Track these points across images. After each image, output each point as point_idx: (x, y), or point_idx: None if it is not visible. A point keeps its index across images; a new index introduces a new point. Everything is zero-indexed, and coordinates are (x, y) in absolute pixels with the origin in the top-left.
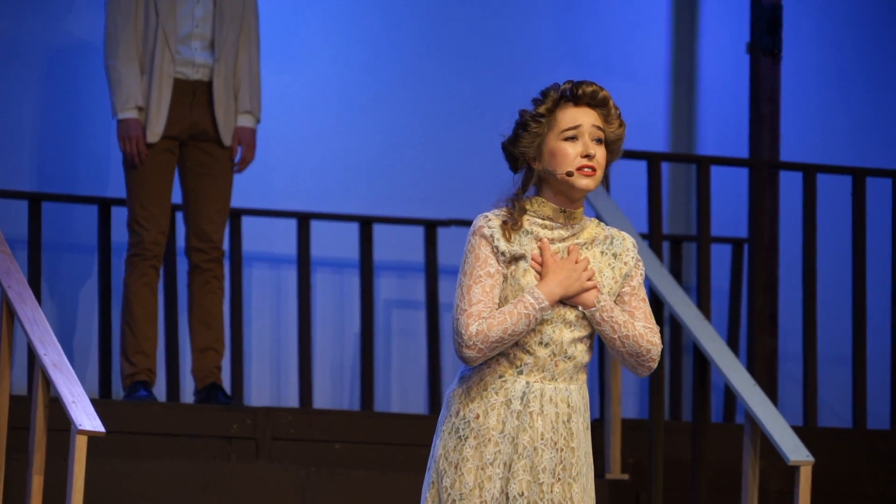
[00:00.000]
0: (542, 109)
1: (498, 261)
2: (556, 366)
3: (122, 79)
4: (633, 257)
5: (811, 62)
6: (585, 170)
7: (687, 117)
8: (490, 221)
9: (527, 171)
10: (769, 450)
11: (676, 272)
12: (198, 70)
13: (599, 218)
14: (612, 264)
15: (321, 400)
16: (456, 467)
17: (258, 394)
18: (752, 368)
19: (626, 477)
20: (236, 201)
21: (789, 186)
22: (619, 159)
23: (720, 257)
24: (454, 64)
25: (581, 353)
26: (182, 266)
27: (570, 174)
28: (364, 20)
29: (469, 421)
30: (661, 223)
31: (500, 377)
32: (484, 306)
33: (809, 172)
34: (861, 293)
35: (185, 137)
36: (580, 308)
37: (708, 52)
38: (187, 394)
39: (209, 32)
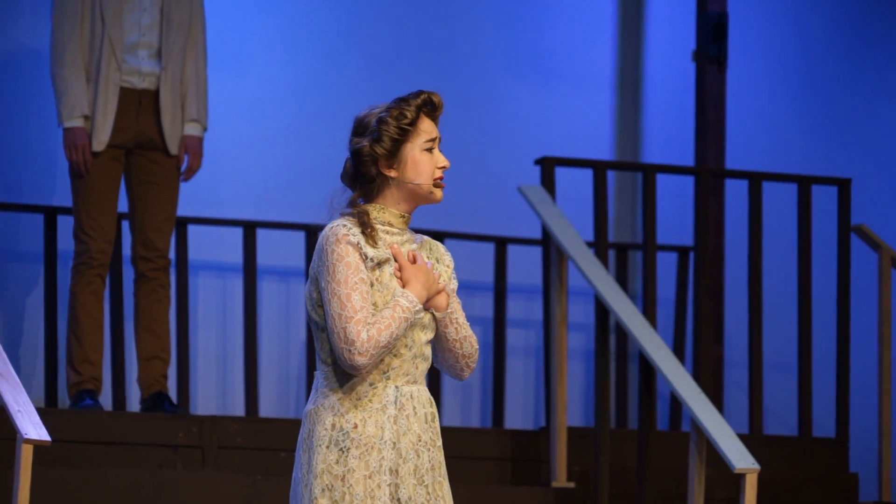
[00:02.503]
0: (410, 117)
1: (366, 267)
2: (417, 367)
3: (68, 87)
4: (451, 259)
5: (757, 70)
6: (440, 182)
7: (632, 125)
8: (351, 229)
9: (373, 178)
10: (715, 457)
11: (622, 280)
12: (144, 79)
13: (544, 226)
14: (436, 268)
15: (267, 408)
16: (343, 479)
17: (204, 402)
18: (697, 376)
19: (572, 485)
20: (182, 210)
21: (735, 194)
22: (565, 167)
23: (666, 265)
24: (401, 72)
25: (430, 353)
26: (128, 275)
27: (437, 185)
28: (311, 29)
29: (348, 432)
30: (606, 231)
31: (371, 384)
32: (367, 312)
33: (755, 180)
34: (807, 301)
35: (132, 146)
36: (432, 311)
37: (654, 60)
38: (133, 402)
39: (156, 41)
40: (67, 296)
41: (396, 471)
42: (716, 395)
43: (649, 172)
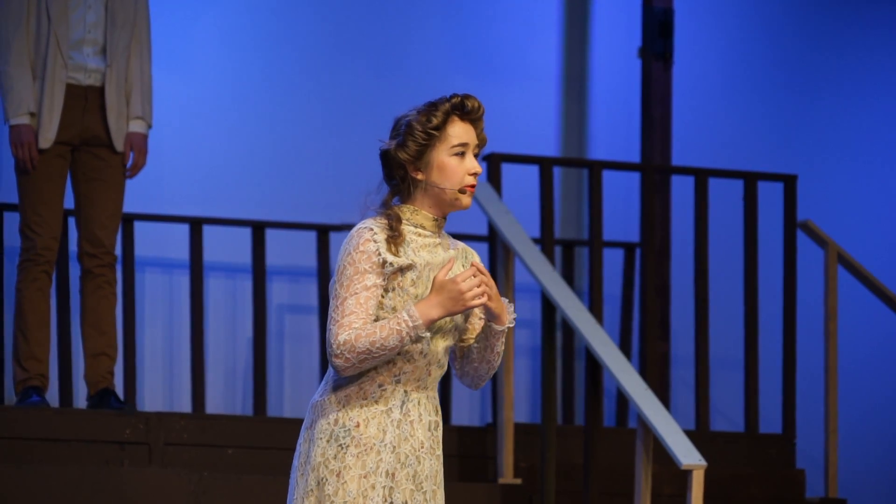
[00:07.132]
0: (436, 122)
1: (382, 274)
2: (430, 374)
3: (14, 84)
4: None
5: (703, 67)
6: (470, 189)
7: (578, 122)
8: (376, 235)
9: (402, 180)
10: (661, 454)
11: (568, 277)
12: (90, 75)
13: (490, 223)
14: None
15: (214, 405)
16: (338, 475)
17: (151, 399)
18: (644, 373)
19: (518, 481)
20: (129, 206)
21: (681, 190)
22: (511, 163)
23: (612, 262)
24: (347, 69)
25: (446, 361)
26: (75, 271)
27: (462, 192)
28: (256, 26)
29: (349, 429)
30: (552, 228)
31: (380, 386)
32: (356, 318)
33: (701, 176)
34: (753, 297)
35: (78, 143)
36: (488, 318)
37: (599, 56)
38: (80, 399)
39: (101, 38)
40: (13, 292)
41: (393, 475)
42: (662, 392)
43: (595, 169)
